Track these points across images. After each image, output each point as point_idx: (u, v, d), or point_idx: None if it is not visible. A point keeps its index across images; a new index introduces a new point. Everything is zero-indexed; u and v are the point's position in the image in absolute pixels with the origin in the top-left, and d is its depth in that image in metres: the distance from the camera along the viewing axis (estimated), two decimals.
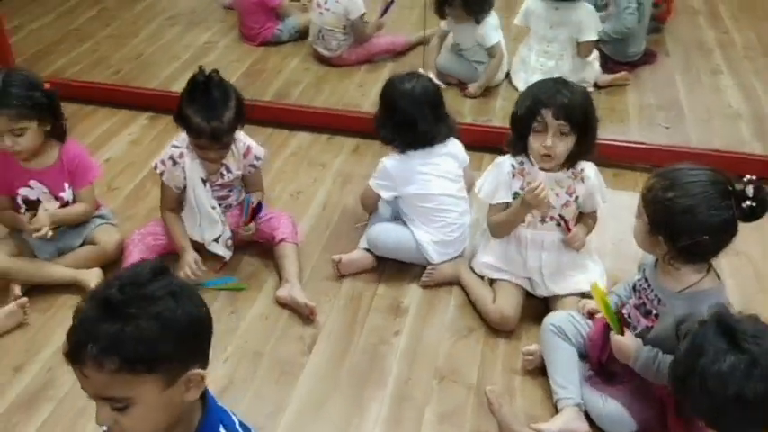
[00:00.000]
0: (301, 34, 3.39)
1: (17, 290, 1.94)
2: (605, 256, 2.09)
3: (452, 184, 2.05)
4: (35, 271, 1.97)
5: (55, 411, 1.68)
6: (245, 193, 2.12)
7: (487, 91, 3.00)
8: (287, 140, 2.75)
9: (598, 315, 1.69)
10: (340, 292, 2.04)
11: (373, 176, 2.06)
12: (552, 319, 1.74)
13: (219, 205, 2.06)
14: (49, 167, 1.98)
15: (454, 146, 2.07)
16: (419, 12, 3.28)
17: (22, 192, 1.97)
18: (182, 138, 1.98)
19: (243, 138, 2.05)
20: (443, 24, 3.05)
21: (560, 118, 1.75)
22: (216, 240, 2.05)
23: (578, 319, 1.74)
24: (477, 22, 2.88)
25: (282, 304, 1.98)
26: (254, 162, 2.08)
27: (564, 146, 1.79)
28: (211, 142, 1.89)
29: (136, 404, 0.96)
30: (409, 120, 1.98)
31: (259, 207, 2.03)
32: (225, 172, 2.04)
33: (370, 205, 2.17)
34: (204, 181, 2.00)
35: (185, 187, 2.00)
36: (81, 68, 3.21)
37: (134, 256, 1.99)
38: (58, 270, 1.99)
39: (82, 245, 2.07)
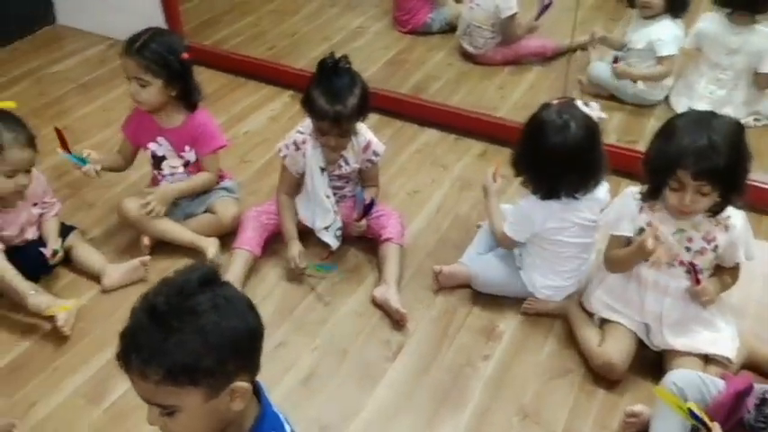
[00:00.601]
0: (451, 26, 3.31)
1: (146, 240, 2.10)
2: (745, 317, 1.85)
3: (588, 232, 1.86)
4: (163, 228, 2.10)
5: None
6: (362, 187, 2.11)
7: (640, 109, 2.75)
8: (415, 136, 2.71)
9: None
10: (435, 302, 1.98)
11: (509, 221, 1.89)
12: (676, 376, 1.53)
13: (334, 194, 2.07)
14: (176, 128, 2.09)
15: (601, 188, 1.85)
16: (580, 15, 3.07)
17: (152, 146, 2.11)
18: (306, 124, 2.01)
19: (364, 132, 2.04)
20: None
21: (701, 179, 1.54)
22: (326, 228, 2.07)
23: (707, 382, 1.51)
24: (676, 16, 2.63)
25: (377, 304, 1.96)
26: (373, 157, 2.06)
27: (705, 202, 1.59)
28: (332, 126, 1.89)
29: (181, 411, 0.98)
30: (556, 174, 1.76)
31: (371, 204, 2.02)
32: (343, 164, 2.05)
33: (507, 247, 1.98)
34: (322, 169, 2.02)
35: (304, 173, 2.03)
36: (241, 41, 3.37)
37: (247, 232, 2.06)
38: (183, 232, 2.11)
39: (205, 212, 2.17)
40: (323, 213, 2.05)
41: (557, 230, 1.84)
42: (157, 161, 2.12)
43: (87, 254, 2.06)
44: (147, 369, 0.95)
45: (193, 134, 2.09)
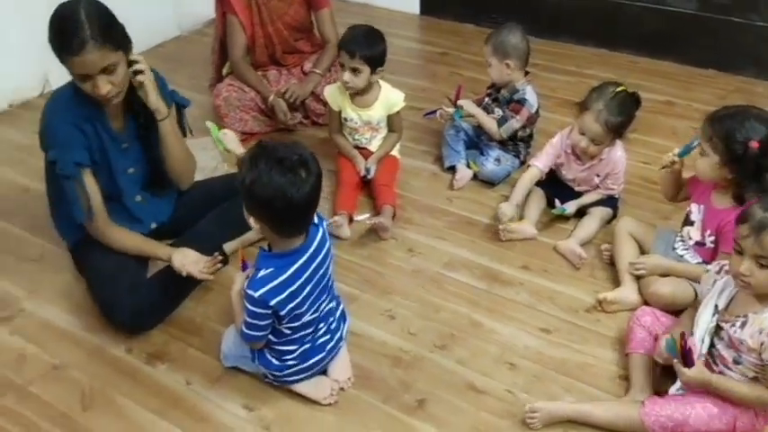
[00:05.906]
0: None
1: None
2: None
3: None
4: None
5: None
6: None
7: None
8: None
9: None
10: None
11: None
12: None
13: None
14: (717, 208, 1.94)
15: None
16: None
17: (692, 206, 2.04)
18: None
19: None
20: None
21: None
22: None
23: None
24: None
25: None
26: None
27: None
28: None
29: None
30: None
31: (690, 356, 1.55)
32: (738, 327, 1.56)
33: None
34: None
35: None
36: None
37: (636, 333, 1.79)
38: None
39: None
40: None
41: None
42: (687, 221, 2.04)
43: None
44: None
45: (724, 225, 1.89)
